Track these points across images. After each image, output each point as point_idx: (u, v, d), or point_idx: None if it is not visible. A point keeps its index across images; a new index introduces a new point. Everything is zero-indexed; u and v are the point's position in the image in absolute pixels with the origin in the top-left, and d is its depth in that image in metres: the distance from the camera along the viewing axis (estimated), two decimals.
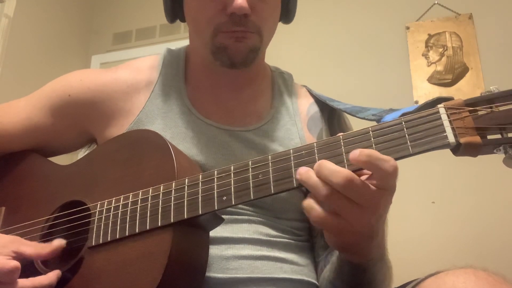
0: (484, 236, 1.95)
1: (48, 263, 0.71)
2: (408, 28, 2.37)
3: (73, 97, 0.83)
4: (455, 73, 2.25)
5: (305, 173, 0.55)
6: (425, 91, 2.26)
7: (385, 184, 0.52)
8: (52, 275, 0.65)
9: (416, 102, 2.25)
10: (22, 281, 0.63)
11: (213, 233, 0.67)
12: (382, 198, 0.53)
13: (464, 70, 2.24)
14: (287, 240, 0.75)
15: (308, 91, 0.90)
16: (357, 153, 0.52)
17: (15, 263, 0.63)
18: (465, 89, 2.21)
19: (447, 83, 2.25)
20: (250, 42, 0.74)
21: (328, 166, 0.53)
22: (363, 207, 0.52)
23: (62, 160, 0.85)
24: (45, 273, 0.69)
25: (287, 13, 0.84)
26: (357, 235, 0.56)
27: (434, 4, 2.34)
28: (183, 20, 0.83)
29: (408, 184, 2.01)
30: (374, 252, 0.62)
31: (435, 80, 2.27)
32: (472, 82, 2.20)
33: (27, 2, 2.53)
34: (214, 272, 0.68)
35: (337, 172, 0.52)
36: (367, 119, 0.73)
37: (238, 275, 0.68)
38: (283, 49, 2.29)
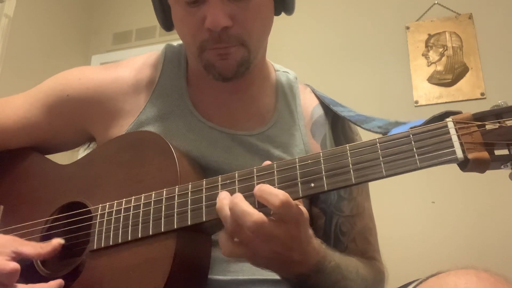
0: (484, 236, 1.95)
1: (48, 265, 0.70)
2: (408, 28, 2.37)
3: (71, 97, 0.81)
4: (455, 73, 2.25)
5: (219, 201, 0.57)
6: (425, 91, 2.26)
7: (283, 217, 0.54)
8: (54, 284, 0.64)
9: (416, 102, 2.24)
10: (21, 287, 0.63)
11: (214, 236, 0.67)
12: (285, 229, 0.55)
13: (464, 70, 2.23)
14: None
15: (312, 91, 0.88)
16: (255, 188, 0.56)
17: (15, 265, 0.62)
18: (465, 89, 2.21)
19: (447, 83, 2.25)
20: (237, 56, 0.71)
21: (240, 206, 0.55)
22: (267, 241, 0.55)
23: (62, 159, 0.84)
24: (45, 274, 0.68)
25: (284, 5, 0.77)
26: (271, 259, 0.58)
27: (434, 4, 2.34)
28: None
29: (408, 184, 2.01)
30: (298, 268, 0.61)
31: (435, 80, 2.26)
32: (472, 82, 2.20)
33: (27, 2, 2.52)
34: (216, 274, 0.68)
35: (248, 214, 0.54)
36: (372, 131, 0.71)
37: (239, 277, 0.69)
38: (282, 49, 2.28)
